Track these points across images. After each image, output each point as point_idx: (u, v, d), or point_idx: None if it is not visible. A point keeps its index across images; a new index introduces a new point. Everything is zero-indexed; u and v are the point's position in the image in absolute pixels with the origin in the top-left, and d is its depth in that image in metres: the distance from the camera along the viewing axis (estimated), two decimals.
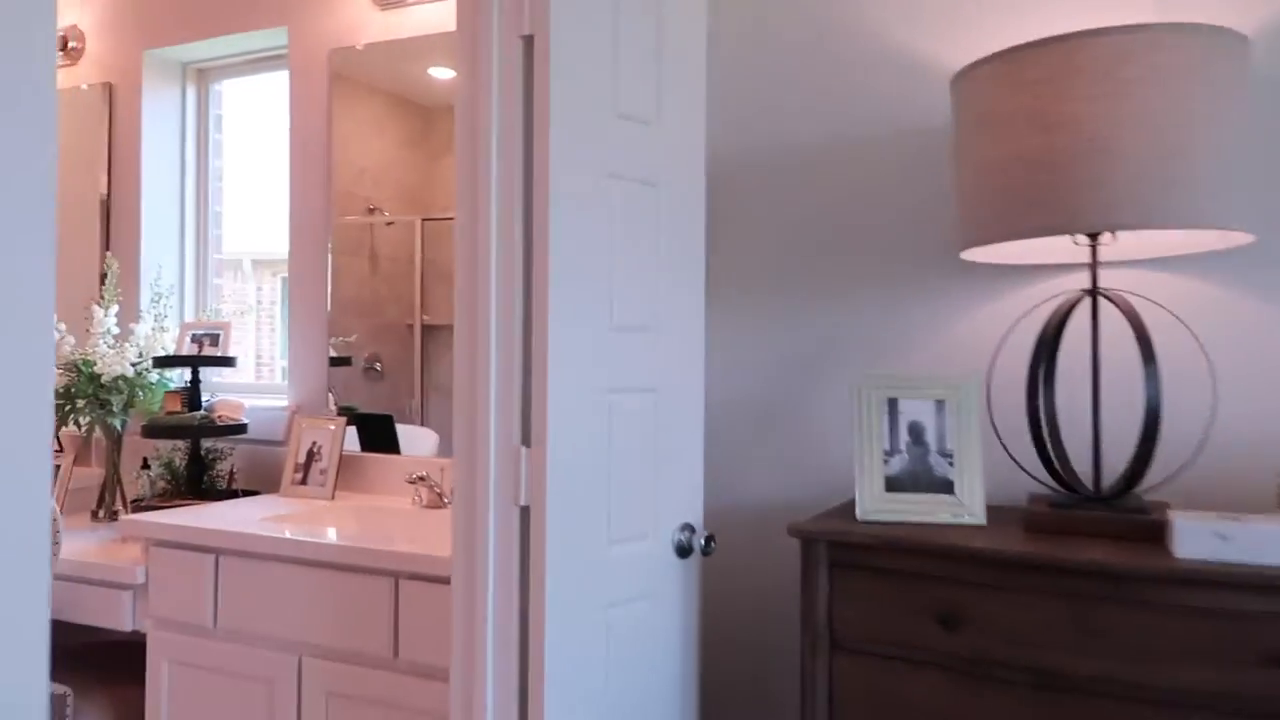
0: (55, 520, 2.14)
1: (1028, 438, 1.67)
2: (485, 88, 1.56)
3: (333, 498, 2.47)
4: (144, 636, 2.18)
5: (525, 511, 1.54)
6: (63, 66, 3.16)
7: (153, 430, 2.47)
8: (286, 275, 2.81)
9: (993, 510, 1.72)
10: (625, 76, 1.62)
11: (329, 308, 2.67)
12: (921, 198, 1.95)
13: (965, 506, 1.60)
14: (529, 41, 1.53)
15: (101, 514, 2.66)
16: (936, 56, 1.94)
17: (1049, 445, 1.60)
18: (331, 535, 2.02)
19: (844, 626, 1.59)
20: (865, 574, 1.57)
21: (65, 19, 3.15)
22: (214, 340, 2.62)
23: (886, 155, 1.98)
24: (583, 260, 1.55)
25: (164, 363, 2.56)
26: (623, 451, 1.63)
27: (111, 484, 2.67)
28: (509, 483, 1.55)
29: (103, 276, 2.86)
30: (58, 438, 2.99)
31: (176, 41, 2.96)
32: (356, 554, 1.89)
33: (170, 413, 2.52)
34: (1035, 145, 1.46)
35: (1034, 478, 1.68)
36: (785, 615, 2.05)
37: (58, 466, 2.57)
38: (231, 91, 3.20)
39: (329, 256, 2.68)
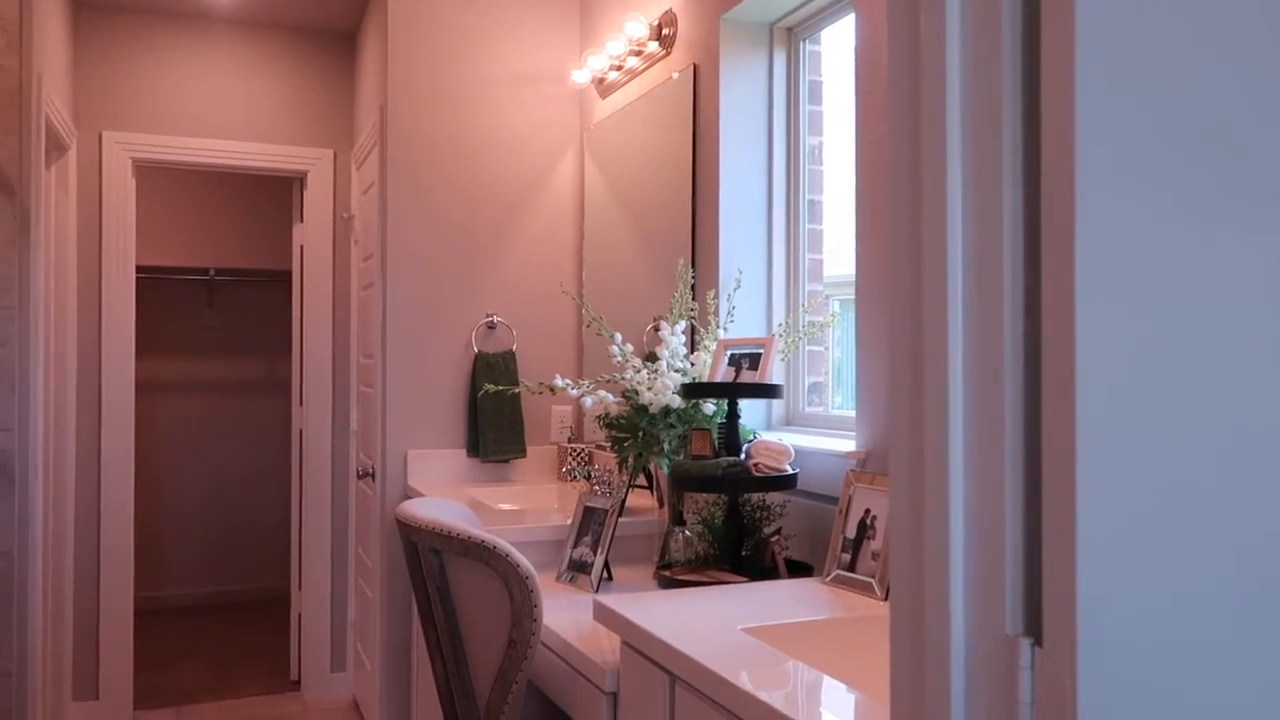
0: (530, 583, 1.72)
1: None
2: None
3: (885, 597, 1.67)
4: None
5: None
6: (660, 59, 2.86)
7: (674, 478, 1.95)
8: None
9: None
10: None
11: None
12: None
13: None
14: None
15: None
16: None
17: None
18: (808, 692, 1.24)
19: None
20: None
21: (660, 4, 2.84)
22: (753, 363, 2.00)
23: None
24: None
25: (693, 391, 2.02)
26: None
27: (668, 538, 2.22)
28: None
29: (693, 289, 2.46)
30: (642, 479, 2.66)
31: None
32: None
33: (697, 456, 1.96)
34: None
35: None
36: None
37: (605, 511, 2.19)
38: (832, 49, 2.57)
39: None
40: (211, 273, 5.53)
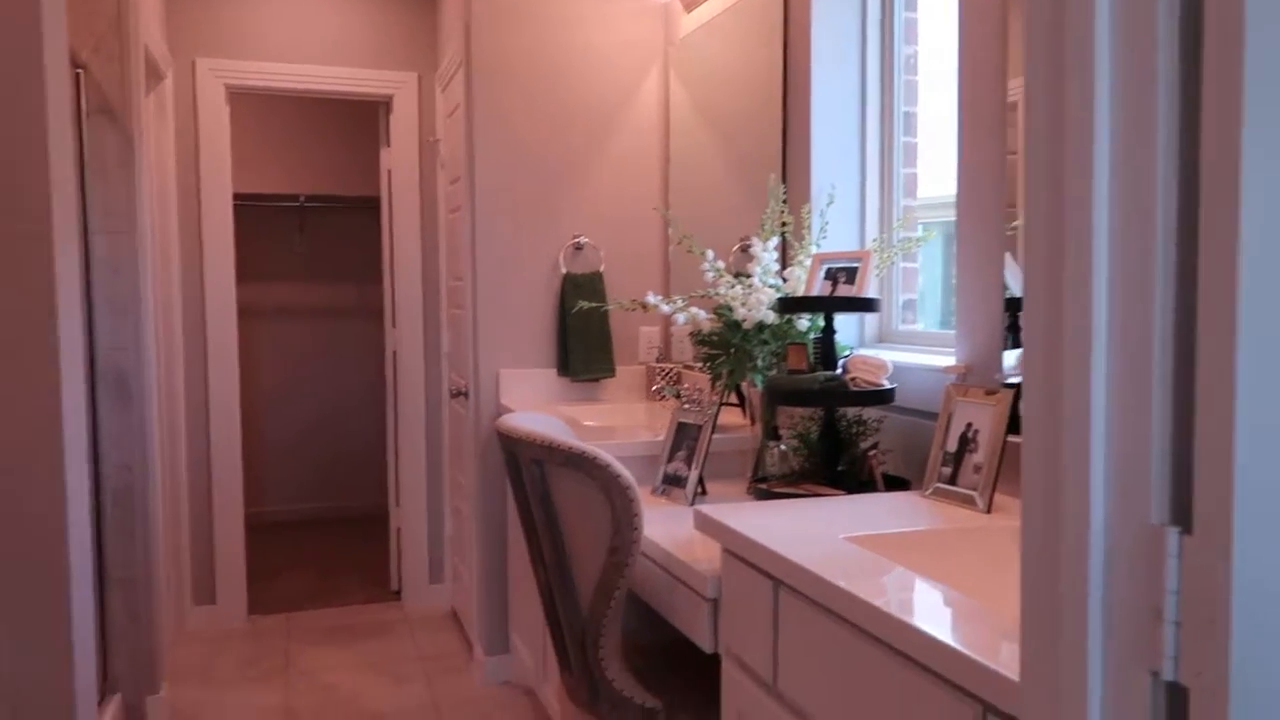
0: (631, 493, 1.75)
1: None
2: None
3: (988, 509, 1.67)
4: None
5: (1176, 694, 0.62)
6: None
7: (769, 393, 1.95)
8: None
9: None
10: None
11: (1010, 231, 1.82)
12: None
13: None
14: None
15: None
16: None
17: None
18: (913, 595, 1.25)
19: None
20: None
21: None
22: (850, 277, 1.98)
23: None
24: None
25: (790, 306, 2.01)
26: None
27: (762, 453, 2.24)
28: (1137, 617, 0.63)
29: (782, 201, 2.43)
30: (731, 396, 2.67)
31: None
32: (916, 643, 1.09)
33: (793, 371, 1.97)
34: None
35: None
36: None
37: (698, 426, 2.22)
38: None
39: (1008, 159, 1.82)
40: (302, 199, 5.64)
